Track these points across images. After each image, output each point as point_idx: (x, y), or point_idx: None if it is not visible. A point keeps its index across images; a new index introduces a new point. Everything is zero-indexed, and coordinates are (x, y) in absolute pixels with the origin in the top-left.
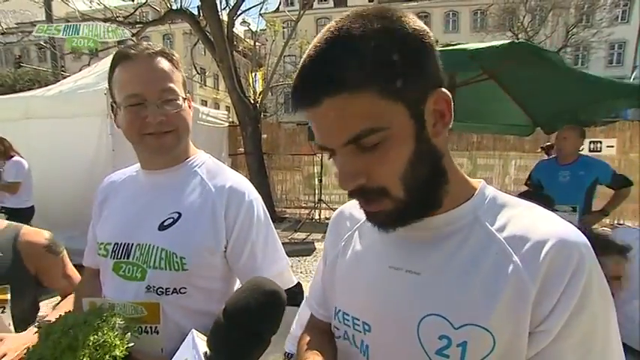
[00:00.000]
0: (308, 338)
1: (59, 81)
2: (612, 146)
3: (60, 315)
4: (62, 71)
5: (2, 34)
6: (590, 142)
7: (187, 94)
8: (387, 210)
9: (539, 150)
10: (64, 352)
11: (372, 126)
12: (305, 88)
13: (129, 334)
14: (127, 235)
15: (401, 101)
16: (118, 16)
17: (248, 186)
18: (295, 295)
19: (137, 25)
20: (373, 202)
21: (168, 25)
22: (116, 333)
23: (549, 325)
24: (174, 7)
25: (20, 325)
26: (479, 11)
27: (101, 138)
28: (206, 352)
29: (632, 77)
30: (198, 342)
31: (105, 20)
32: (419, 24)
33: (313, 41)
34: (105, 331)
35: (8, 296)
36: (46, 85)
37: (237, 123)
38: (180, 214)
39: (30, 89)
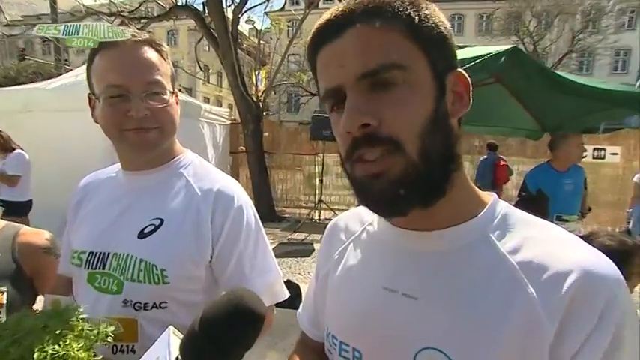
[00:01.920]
0: (297, 358)
1: (61, 74)
2: (616, 154)
3: (15, 314)
4: (65, 64)
5: (6, 26)
6: (594, 150)
7: (175, 89)
8: (394, 172)
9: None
10: None
11: (395, 61)
12: (333, 21)
13: (98, 342)
14: (104, 244)
15: (426, 55)
16: (122, 11)
17: (237, 189)
18: (293, 298)
19: (142, 21)
20: (380, 159)
21: (172, 21)
22: (81, 343)
23: None
24: (179, 3)
25: None
26: (484, 15)
27: (100, 133)
28: (177, 358)
29: (637, 84)
30: (172, 342)
31: (110, 15)
32: (443, 16)
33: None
34: (68, 341)
35: (4, 299)
36: (50, 79)
37: (239, 121)
38: (162, 221)
39: (32, 82)
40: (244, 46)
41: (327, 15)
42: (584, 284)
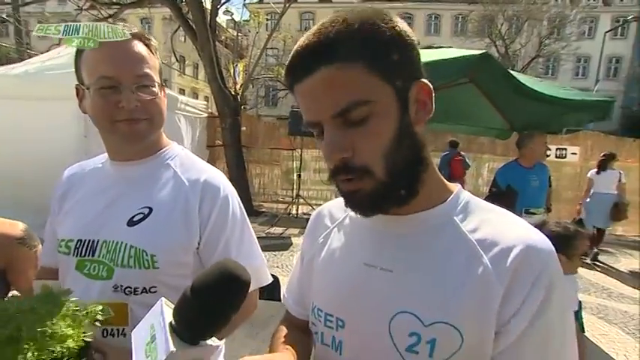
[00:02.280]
0: (284, 332)
1: (24, 59)
2: (575, 153)
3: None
4: (28, 49)
5: None
6: (557, 149)
7: (163, 82)
8: (367, 190)
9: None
10: (2, 347)
11: (360, 98)
12: (300, 61)
13: (86, 321)
14: (93, 232)
15: (387, 81)
16: None
17: (223, 180)
18: (272, 290)
19: (113, 7)
20: (354, 180)
21: (147, 9)
22: (68, 322)
23: (512, 326)
24: None
25: None
26: (460, 16)
27: (72, 123)
28: (171, 322)
29: (595, 89)
30: (165, 310)
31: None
32: (405, 25)
33: (312, 28)
34: (55, 320)
35: None
36: (8, 64)
37: (217, 114)
38: (151, 209)
39: None
40: (222, 38)
41: (295, 50)
42: (524, 257)
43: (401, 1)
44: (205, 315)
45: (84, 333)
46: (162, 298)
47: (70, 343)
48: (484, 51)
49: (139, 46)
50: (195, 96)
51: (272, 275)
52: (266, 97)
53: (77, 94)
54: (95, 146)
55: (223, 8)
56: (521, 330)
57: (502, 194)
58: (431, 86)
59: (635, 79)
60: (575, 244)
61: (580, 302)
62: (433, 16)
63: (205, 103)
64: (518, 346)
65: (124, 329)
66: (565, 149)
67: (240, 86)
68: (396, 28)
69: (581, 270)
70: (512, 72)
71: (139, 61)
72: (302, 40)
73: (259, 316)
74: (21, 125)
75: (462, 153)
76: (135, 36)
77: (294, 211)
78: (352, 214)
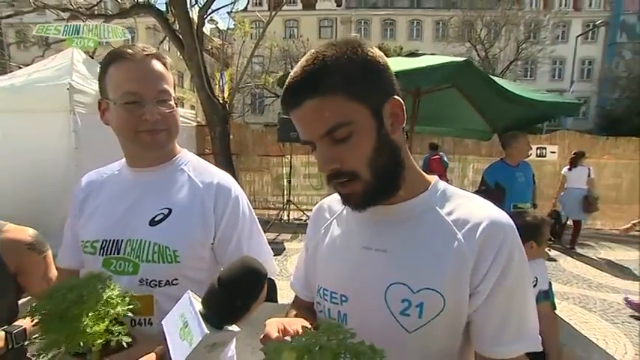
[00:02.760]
0: (294, 311)
1: (5, 71)
2: (554, 152)
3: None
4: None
5: None
6: (537, 148)
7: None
8: (358, 191)
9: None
10: (70, 307)
11: (341, 121)
12: (291, 95)
13: (128, 298)
14: (117, 232)
15: (363, 104)
16: (79, 8)
17: (233, 182)
18: (270, 292)
19: (98, 18)
20: (347, 185)
21: (131, 19)
22: (116, 292)
23: (483, 287)
24: (140, 1)
25: None
26: (441, 22)
27: (62, 136)
28: (201, 310)
29: (571, 90)
30: (193, 301)
31: (63, 10)
32: (376, 50)
33: (298, 64)
34: (107, 292)
35: None
36: None
37: (205, 123)
38: (170, 210)
39: None
40: (209, 47)
41: (286, 86)
42: (489, 231)
43: (383, 8)
44: (230, 304)
45: (129, 305)
46: (189, 291)
47: (120, 309)
48: (466, 58)
49: (157, 65)
50: (181, 105)
51: (269, 278)
52: (252, 104)
53: (99, 108)
54: (87, 159)
55: (209, 17)
56: (489, 290)
57: (491, 192)
58: (402, 101)
59: (607, 81)
60: (543, 231)
61: (550, 283)
62: (415, 22)
63: (193, 112)
64: (487, 304)
65: (150, 319)
66: (545, 148)
67: (228, 94)
68: (368, 56)
69: (563, 263)
70: (491, 77)
71: (159, 78)
72: (290, 77)
73: (259, 317)
74: (10, 138)
75: (440, 153)
76: (153, 55)
77: (285, 217)
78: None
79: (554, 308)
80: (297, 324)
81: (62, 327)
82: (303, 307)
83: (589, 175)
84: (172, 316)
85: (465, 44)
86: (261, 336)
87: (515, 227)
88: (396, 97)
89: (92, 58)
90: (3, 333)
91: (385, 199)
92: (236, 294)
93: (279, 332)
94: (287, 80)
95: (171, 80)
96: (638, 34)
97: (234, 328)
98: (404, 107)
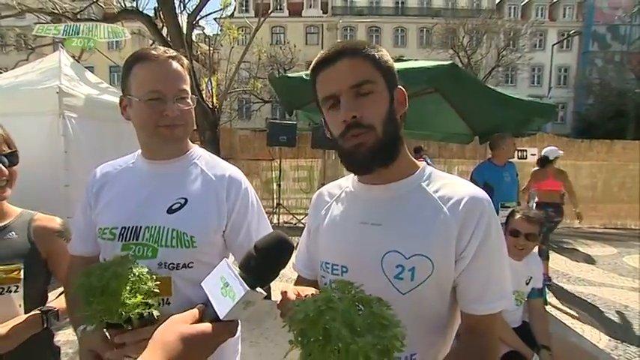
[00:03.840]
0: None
1: None
2: (535, 154)
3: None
4: None
5: None
6: (519, 151)
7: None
8: (368, 143)
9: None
10: (109, 281)
11: (368, 78)
12: (327, 57)
13: (154, 277)
14: (135, 219)
15: (383, 76)
16: (66, 12)
17: (242, 176)
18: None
19: (85, 22)
20: (360, 136)
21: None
22: (147, 270)
23: (466, 252)
24: (127, 7)
25: (29, 310)
26: (425, 29)
27: (51, 139)
28: (239, 273)
29: (549, 96)
30: (231, 265)
31: (49, 14)
32: (388, 54)
33: (327, 48)
34: (138, 270)
35: (22, 275)
36: None
37: (195, 127)
38: (186, 200)
39: None
40: (197, 52)
41: (323, 53)
42: (470, 204)
43: (369, 15)
44: (264, 267)
45: (157, 282)
46: (225, 258)
47: (150, 284)
48: (452, 62)
49: (178, 66)
50: None
51: None
52: (240, 110)
53: (121, 104)
54: (76, 162)
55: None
56: (472, 255)
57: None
58: (405, 91)
59: (582, 87)
60: (510, 220)
61: (544, 281)
62: (400, 29)
63: None
64: (471, 267)
65: (168, 299)
66: (525, 150)
67: (217, 100)
68: (383, 52)
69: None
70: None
71: (179, 78)
72: (324, 51)
73: (254, 314)
74: None
75: (424, 156)
76: (173, 57)
77: (275, 220)
78: (347, 189)
79: (546, 304)
80: (308, 290)
81: (104, 300)
82: (307, 285)
83: None
84: (211, 279)
85: (448, 51)
86: (278, 301)
87: (491, 202)
88: (401, 87)
89: (78, 62)
90: (39, 312)
91: (385, 163)
92: (270, 258)
93: (296, 295)
94: (318, 56)
95: (188, 80)
96: (608, 43)
97: (261, 291)
98: (407, 97)
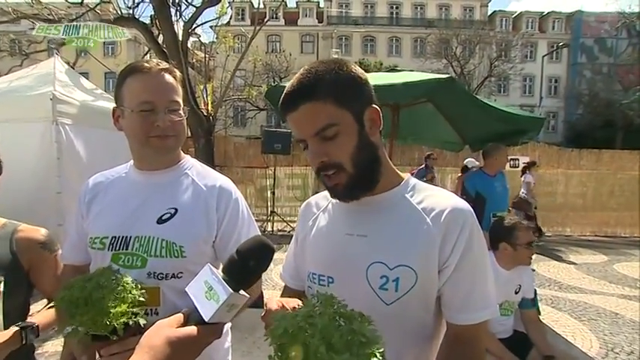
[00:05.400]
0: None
1: None
2: (526, 163)
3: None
4: None
5: None
6: (511, 159)
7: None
8: (343, 182)
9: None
10: (92, 292)
11: (330, 122)
12: (289, 100)
13: (139, 285)
14: (125, 229)
15: (348, 110)
16: (62, 18)
17: (233, 186)
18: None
19: None
20: (333, 177)
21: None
22: (130, 279)
23: (449, 262)
24: (124, 15)
25: (10, 322)
26: (419, 39)
27: (43, 145)
28: (223, 276)
29: (540, 106)
30: (214, 270)
31: (44, 20)
32: (358, 68)
33: (295, 77)
34: (121, 278)
35: (1, 287)
36: None
37: (189, 135)
38: (176, 210)
39: None
40: (193, 60)
41: (286, 90)
42: (452, 216)
43: (364, 25)
44: (246, 270)
45: (142, 291)
46: (208, 263)
47: (135, 292)
48: (449, 75)
49: (170, 78)
50: None
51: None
52: (235, 117)
53: (113, 115)
54: (69, 168)
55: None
56: (455, 264)
57: (471, 202)
58: (379, 109)
59: (571, 97)
60: (516, 235)
61: (535, 290)
62: (394, 39)
63: None
64: (454, 277)
65: (156, 309)
66: (517, 159)
67: (212, 107)
68: (352, 72)
69: (537, 267)
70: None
71: (170, 89)
72: (289, 86)
73: (246, 322)
74: None
75: (431, 167)
76: (166, 69)
77: (269, 228)
78: (334, 201)
79: (539, 314)
80: (293, 302)
81: (88, 310)
82: (292, 295)
83: (526, 181)
84: (196, 283)
85: (441, 60)
86: (262, 313)
87: (474, 213)
88: (374, 105)
89: (73, 68)
90: (17, 329)
91: (366, 191)
92: (250, 261)
93: (279, 307)
94: (285, 89)
95: (180, 92)
96: (595, 56)
97: (245, 294)
98: (380, 114)
